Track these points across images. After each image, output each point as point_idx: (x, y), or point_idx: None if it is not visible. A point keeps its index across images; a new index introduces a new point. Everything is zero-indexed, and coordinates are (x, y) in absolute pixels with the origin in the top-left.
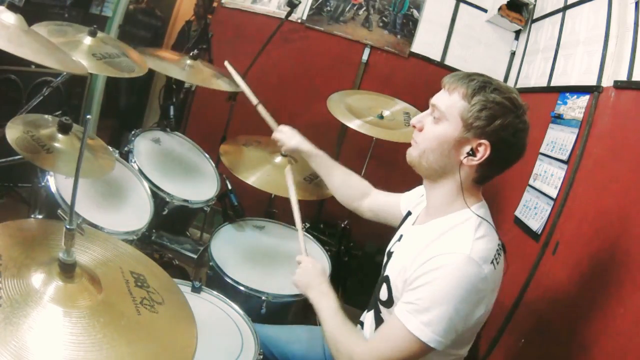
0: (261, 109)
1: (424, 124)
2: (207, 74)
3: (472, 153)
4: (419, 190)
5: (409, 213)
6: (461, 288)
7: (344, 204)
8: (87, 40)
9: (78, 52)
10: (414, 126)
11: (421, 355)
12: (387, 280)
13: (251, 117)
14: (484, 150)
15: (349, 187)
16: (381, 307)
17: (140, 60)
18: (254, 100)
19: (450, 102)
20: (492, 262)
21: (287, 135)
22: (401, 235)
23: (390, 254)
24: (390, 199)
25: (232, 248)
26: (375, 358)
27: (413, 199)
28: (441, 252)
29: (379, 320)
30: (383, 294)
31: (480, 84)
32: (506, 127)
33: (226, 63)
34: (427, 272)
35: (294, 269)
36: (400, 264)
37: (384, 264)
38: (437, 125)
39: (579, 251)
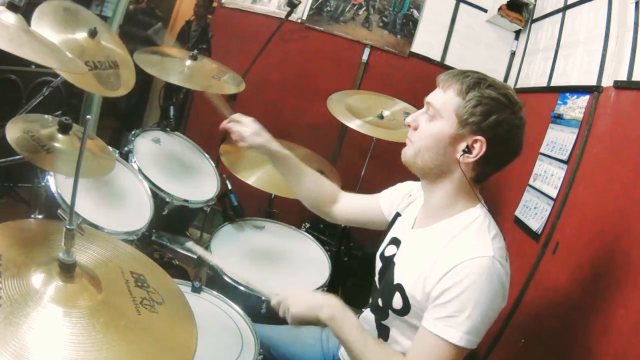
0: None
1: (419, 122)
2: (208, 75)
3: (468, 150)
4: (403, 188)
5: (398, 214)
6: (493, 288)
7: (313, 209)
8: (86, 42)
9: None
10: (408, 125)
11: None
12: (400, 289)
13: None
14: (479, 147)
15: (319, 191)
16: (392, 315)
17: (129, 75)
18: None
19: (444, 99)
20: (507, 259)
21: (251, 130)
22: (397, 240)
23: (388, 259)
24: (368, 200)
25: (232, 248)
26: None
27: (397, 198)
28: (464, 259)
29: (380, 328)
30: (397, 303)
31: (474, 80)
32: (502, 122)
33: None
34: (457, 282)
35: (294, 269)
36: (415, 272)
37: (380, 268)
38: (432, 123)
39: (579, 251)
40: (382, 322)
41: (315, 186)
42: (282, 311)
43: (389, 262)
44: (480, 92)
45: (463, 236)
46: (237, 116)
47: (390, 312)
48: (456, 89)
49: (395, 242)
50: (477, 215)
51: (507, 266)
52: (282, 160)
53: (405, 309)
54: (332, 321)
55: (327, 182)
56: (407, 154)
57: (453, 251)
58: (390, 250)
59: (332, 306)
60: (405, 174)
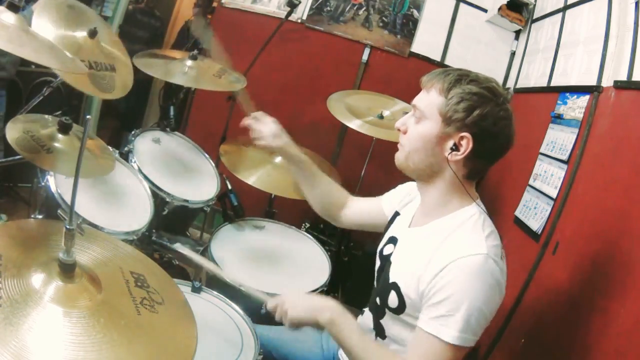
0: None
1: (408, 126)
2: (208, 73)
3: (456, 148)
4: (403, 188)
5: (397, 214)
6: (487, 287)
7: (322, 214)
8: (85, 41)
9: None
10: (398, 129)
11: (461, 358)
12: (395, 287)
13: None
14: (466, 144)
15: (330, 198)
16: (388, 314)
17: (126, 78)
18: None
19: (428, 100)
20: (502, 257)
21: (271, 131)
22: (395, 238)
23: (386, 258)
24: (371, 204)
25: (232, 248)
26: None
27: (397, 198)
28: (458, 257)
29: (377, 327)
30: (392, 301)
31: (455, 77)
32: (486, 116)
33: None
34: (450, 281)
35: (294, 269)
36: (410, 271)
37: (378, 267)
38: (418, 125)
39: (579, 251)
40: (380, 320)
41: (327, 193)
42: (279, 315)
43: (386, 260)
44: (462, 89)
45: (457, 234)
46: (260, 114)
47: (386, 310)
48: (438, 88)
49: (393, 240)
50: (471, 214)
51: (502, 264)
52: (299, 165)
53: (401, 307)
54: (332, 325)
55: (338, 188)
56: (399, 158)
57: (446, 250)
58: (388, 249)
59: (331, 310)
60: (405, 174)
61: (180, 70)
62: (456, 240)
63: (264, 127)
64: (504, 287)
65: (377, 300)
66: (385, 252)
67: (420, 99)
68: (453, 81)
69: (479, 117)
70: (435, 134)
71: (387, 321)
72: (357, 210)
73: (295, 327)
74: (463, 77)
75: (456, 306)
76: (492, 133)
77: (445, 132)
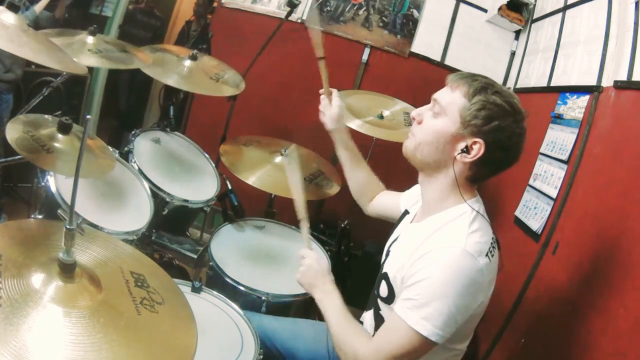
0: (322, 66)
1: (423, 117)
2: (206, 76)
3: (467, 150)
4: (418, 187)
5: (406, 212)
6: (459, 281)
7: (355, 199)
8: (88, 39)
9: (77, 50)
10: (413, 118)
11: (424, 351)
12: (385, 277)
13: (251, 117)
14: (478, 149)
15: (366, 186)
16: (381, 304)
17: (142, 56)
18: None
19: (451, 98)
20: (487, 254)
21: (333, 115)
22: (399, 234)
23: (388, 252)
24: (393, 199)
25: (232, 248)
26: (379, 357)
27: (412, 198)
28: (436, 247)
29: (378, 318)
30: (383, 291)
31: (482, 85)
32: (503, 129)
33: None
34: (424, 267)
35: (294, 269)
36: (399, 261)
37: (382, 262)
38: (435, 119)
39: (579, 251)
40: (379, 312)
41: (364, 182)
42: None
43: (388, 254)
44: (486, 97)
45: (444, 229)
46: (334, 93)
47: (379, 300)
48: (464, 90)
49: (397, 236)
50: (463, 212)
51: (482, 262)
52: (347, 150)
53: (390, 297)
54: (319, 302)
55: (375, 181)
56: (408, 147)
57: (430, 241)
58: (391, 245)
59: (323, 292)
60: (404, 174)
61: (177, 71)
62: (441, 233)
63: (329, 107)
64: (483, 287)
65: (374, 291)
66: (389, 248)
67: (443, 95)
68: (479, 88)
69: (496, 128)
70: (451, 133)
71: (384, 312)
72: (382, 203)
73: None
74: (489, 86)
75: (424, 292)
76: (505, 146)
77: (461, 133)
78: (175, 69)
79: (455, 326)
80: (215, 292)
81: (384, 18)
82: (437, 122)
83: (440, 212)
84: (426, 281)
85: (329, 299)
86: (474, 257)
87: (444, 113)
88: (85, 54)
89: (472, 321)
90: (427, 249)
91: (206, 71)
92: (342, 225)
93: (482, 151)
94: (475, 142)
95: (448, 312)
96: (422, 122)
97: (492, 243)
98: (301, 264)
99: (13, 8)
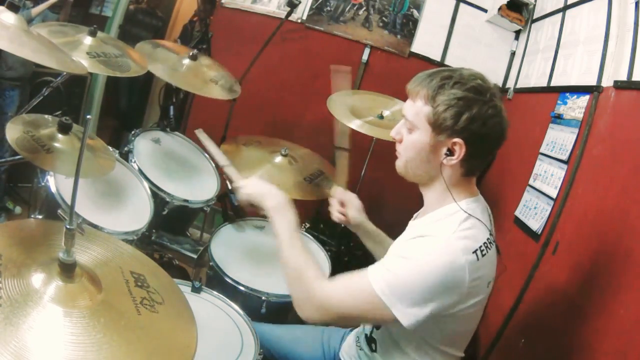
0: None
1: (402, 134)
2: (205, 76)
3: (450, 153)
4: None
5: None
6: (435, 268)
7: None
8: (87, 40)
9: (76, 51)
10: (394, 139)
11: (371, 311)
12: None
13: (251, 117)
14: (459, 149)
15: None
16: None
17: (140, 60)
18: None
19: (415, 109)
20: (474, 252)
21: (356, 206)
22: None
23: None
24: None
25: (232, 248)
26: (334, 301)
27: None
28: (420, 235)
29: None
30: None
31: (439, 83)
32: (474, 119)
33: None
34: (404, 248)
35: None
36: (392, 248)
37: None
38: (411, 135)
39: (579, 251)
40: None
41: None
42: (236, 189)
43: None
44: (447, 95)
45: (436, 223)
46: (349, 197)
47: None
48: (423, 96)
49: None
50: (456, 210)
51: (465, 259)
52: (375, 242)
53: None
54: (274, 212)
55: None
56: (399, 166)
57: (421, 230)
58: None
59: (279, 200)
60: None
61: (174, 67)
62: (433, 226)
63: (350, 202)
64: (460, 285)
65: None
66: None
67: (407, 109)
68: (437, 87)
69: (467, 121)
70: (428, 143)
71: None
72: None
73: (244, 201)
74: (446, 80)
75: (395, 260)
76: (483, 134)
77: (438, 140)
78: (173, 66)
79: (408, 304)
80: (215, 292)
81: (384, 18)
82: (413, 137)
83: (437, 209)
84: (402, 259)
85: (283, 215)
86: (455, 252)
87: (415, 127)
88: (82, 57)
89: (456, 323)
90: (416, 235)
91: (203, 73)
92: (342, 225)
93: (464, 149)
94: (454, 143)
95: (412, 288)
96: (402, 140)
97: (484, 243)
98: (241, 184)
99: (13, 8)
